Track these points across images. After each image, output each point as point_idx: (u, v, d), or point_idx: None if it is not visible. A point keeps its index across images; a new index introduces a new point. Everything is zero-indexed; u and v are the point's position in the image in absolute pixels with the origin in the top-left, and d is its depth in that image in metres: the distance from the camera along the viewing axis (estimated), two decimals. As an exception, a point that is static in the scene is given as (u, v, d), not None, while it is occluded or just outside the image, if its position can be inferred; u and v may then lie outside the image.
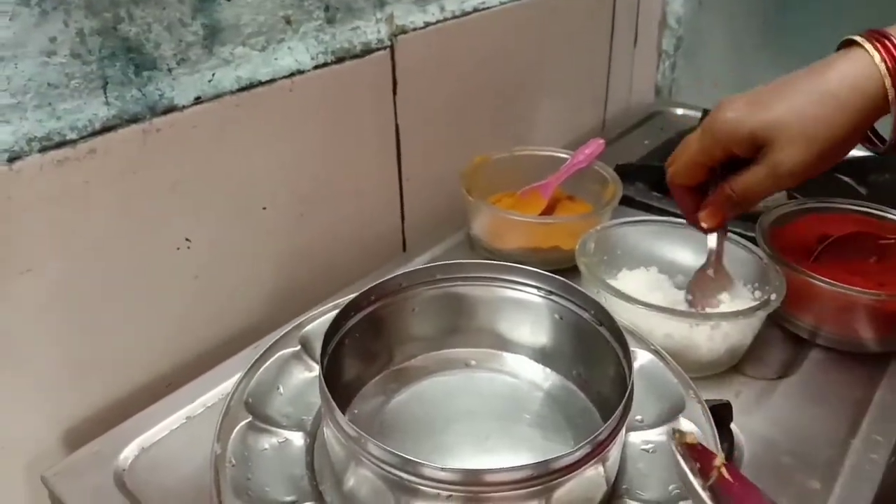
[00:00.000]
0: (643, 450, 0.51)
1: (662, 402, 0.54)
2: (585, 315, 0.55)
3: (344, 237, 0.77)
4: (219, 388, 0.61)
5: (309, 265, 0.74)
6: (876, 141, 0.56)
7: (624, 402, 0.46)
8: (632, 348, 0.51)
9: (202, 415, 0.60)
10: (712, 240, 0.65)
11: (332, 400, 0.45)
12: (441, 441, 0.53)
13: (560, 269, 0.73)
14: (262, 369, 0.55)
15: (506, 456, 0.52)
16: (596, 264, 0.69)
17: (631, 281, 0.71)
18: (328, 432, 0.47)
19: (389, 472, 0.42)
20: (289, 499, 0.48)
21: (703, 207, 0.62)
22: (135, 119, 0.56)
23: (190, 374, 0.64)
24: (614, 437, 0.45)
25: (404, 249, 0.85)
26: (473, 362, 0.60)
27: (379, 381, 0.58)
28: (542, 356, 0.59)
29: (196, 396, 0.61)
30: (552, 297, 0.57)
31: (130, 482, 0.53)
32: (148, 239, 0.60)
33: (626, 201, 0.84)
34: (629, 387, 0.46)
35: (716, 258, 0.66)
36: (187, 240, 0.63)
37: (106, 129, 0.55)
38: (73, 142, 0.53)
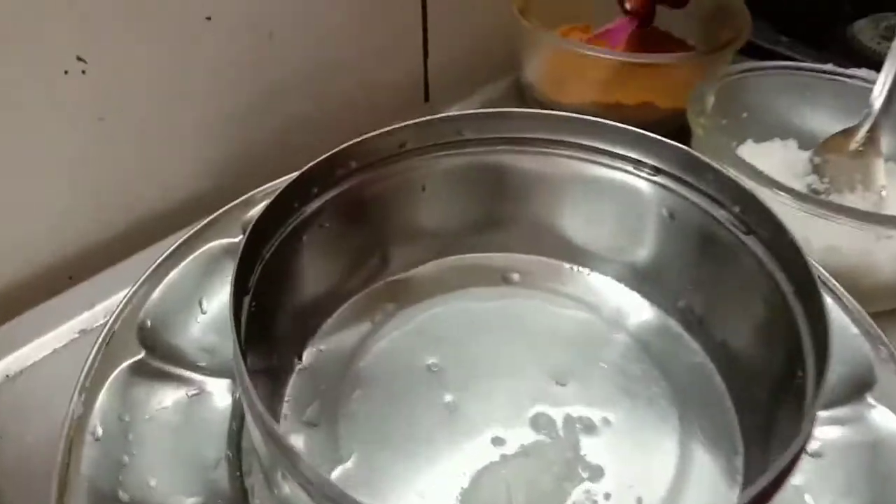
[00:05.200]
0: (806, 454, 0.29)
1: (838, 371, 0.31)
2: (720, 214, 0.32)
3: (335, 75, 0.53)
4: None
5: (282, 115, 0.51)
6: None
7: (813, 397, 0.23)
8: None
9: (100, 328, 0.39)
10: (879, 85, 0.43)
11: (243, 361, 0.23)
12: (456, 421, 0.31)
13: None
14: (174, 272, 0.34)
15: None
16: (714, 127, 0.45)
17: (760, 158, 0.47)
18: (248, 416, 0.26)
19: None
20: (191, 502, 0.28)
21: None
22: None
23: (99, 263, 0.43)
24: (788, 475, 0.23)
25: (426, 99, 0.61)
26: (517, 277, 0.38)
27: (362, 300, 0.36)
28: (633, 275, 0.37)
29: (95, 301, 0.40)
30: (659, 177, 0.34)
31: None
32: (14, 57, 0.38)
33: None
34: (823, 374, 0.24)
35: (876, 120, 0.44)
36: (80, 59, 0.40)
37: None
38: None
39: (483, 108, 0.57)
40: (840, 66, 0.48)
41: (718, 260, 0.32)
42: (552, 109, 0.52)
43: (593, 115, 0.50)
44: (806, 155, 0.47)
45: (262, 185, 0.38)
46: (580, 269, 0.38)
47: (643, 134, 0.33)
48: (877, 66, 0.63)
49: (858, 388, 0.31)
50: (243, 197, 0.37)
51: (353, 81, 0.55)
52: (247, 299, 0.28)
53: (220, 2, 0.44)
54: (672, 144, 0.32)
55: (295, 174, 0.30)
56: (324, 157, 0.30)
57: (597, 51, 0.48)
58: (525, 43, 0.53)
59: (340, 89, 0.54)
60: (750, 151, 0.48)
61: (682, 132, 0.43)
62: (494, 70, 0.60)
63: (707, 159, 0.31)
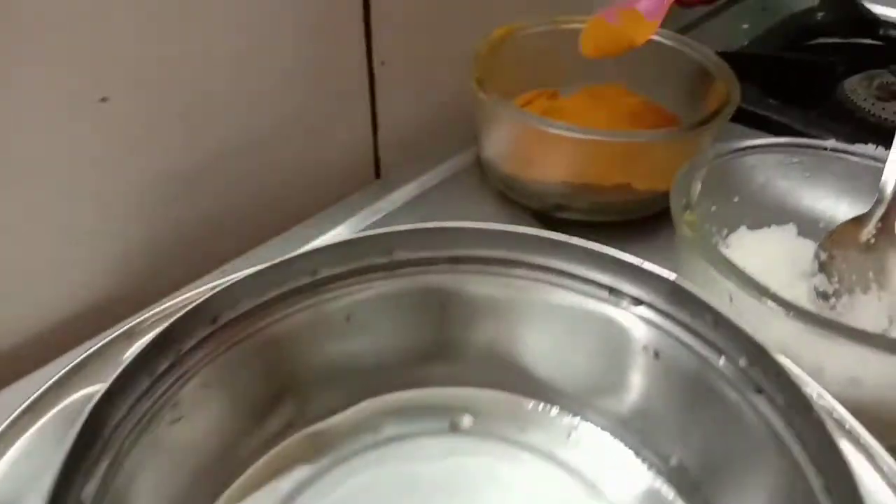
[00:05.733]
0: None
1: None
2: (719, 363, 0.25)
3: (268, 153, 0.46)
4: None
5: (202, 204, 0.44)
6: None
7: None
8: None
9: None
10: (891, 165, 0.36)
11: None
12: None
13: (627, 220, 0.44)
14: (23, 440, 0.26)
15: None
16: (701, 220, 0.38)
17: (755, 248, 0.41)
18: None
19: None
20: None
21: None
22: None
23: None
24: None
25: (377, 175, 0.54)
26: (468, 421, 0.30)
27: (270, 463, 0.28)
28: (613, 420, 0.30)
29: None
30: (640, 308, 0.27)
31: None
32: None
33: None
34: None
35: (889, 206, 0.37)
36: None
37: None
38: None
39: (441, 185, 0.51)
40: (841, 137, 0.42)
41: (717, 418, 0.26)
42: (518, 192, 0.46)
43: (561, 196, 0.45)
44: (806, 243, 0.41)
45: (170, 295, 0.30)
46: (547, 406, 0.31)
47: (619, 259, 0.26)
48: (874, 129, 0.58)
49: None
50: (127, 325, 0.30)
51: (290, 159, 0.48)
52: (91, 485, 0.20)
53: (117, 80, 0.37)
54: (656, 273, 0.25)
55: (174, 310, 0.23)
56: (194, 305, 0.23)
57: (562, 128, 0.41)
58: (484, 115, 0.46)
59: (275, 169, 0.47)
60: (743, 241, 0.41)
61: (663, 216, 0.37)
62: (455, 141, 0.53)
63: (702, 295, 0.25)
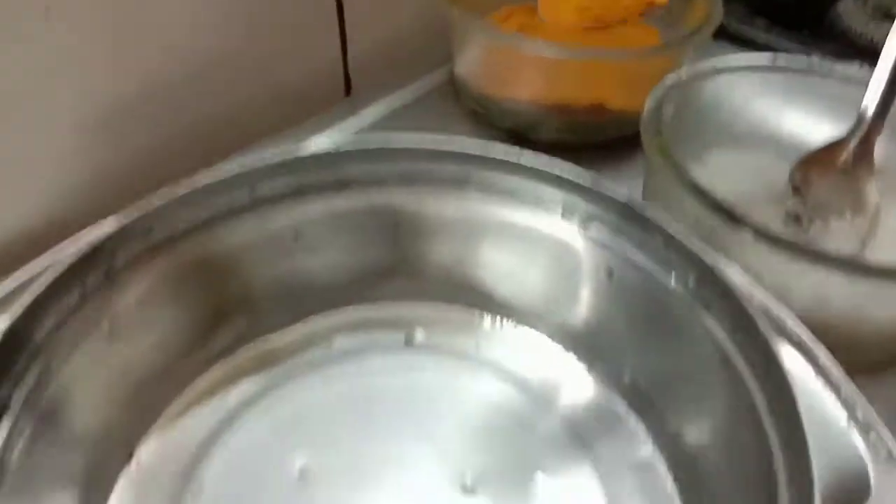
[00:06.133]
0: None
1: (823, 480, 0.24)
2: (669, 281, 0.24)
3: (233, 70, 0.45)
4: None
5: (162, 123, 0.42)
6: None
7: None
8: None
9: None
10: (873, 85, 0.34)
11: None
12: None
13: (601, 140, 0.42)
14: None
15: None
16: (674, 142, 0.37)
17: (730, 173, 0.40)
18: None
19: None
20: None
21: None
22: None
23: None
24: None
25: (347, 93, 0.53)
26: (421, 336, 0.30)
27: (215, 377, 0.28)
28: (568, 335, 0.29)
29: None
30: (592, 229, 0.26)
31: None
32: None
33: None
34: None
35: (868, 131, 0.35)
36: None
37: None
38: None
39: (413, 104, 0.49)
40: (827, 57, 0.41)
41: (668, 335, 0.25)
42: (490, 109, 0.45)
43: (534, 116, 0.43)
44: (782, 167, 0.40)
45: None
46: (502, 320, 0.30)
47: (571, 177, 0.25)
48: (866, 52, 0.56)
49: (847, 501, 0.24)
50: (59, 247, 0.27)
51: (256, 76, 0.46)
52: (19, 391, 0.20)
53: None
54: (609, 193, 0.25)
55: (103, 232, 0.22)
56: (127, 221, 0.22)
57: (537, 46, 0.40)
58: (457, 32, 0.45)
59: (240, 87, 0.45)
60: (717, 165, 0.40)
61: (637, 139, 0.36)
62: (430, 59, 0.51)
63: (653, 214, 0.24)
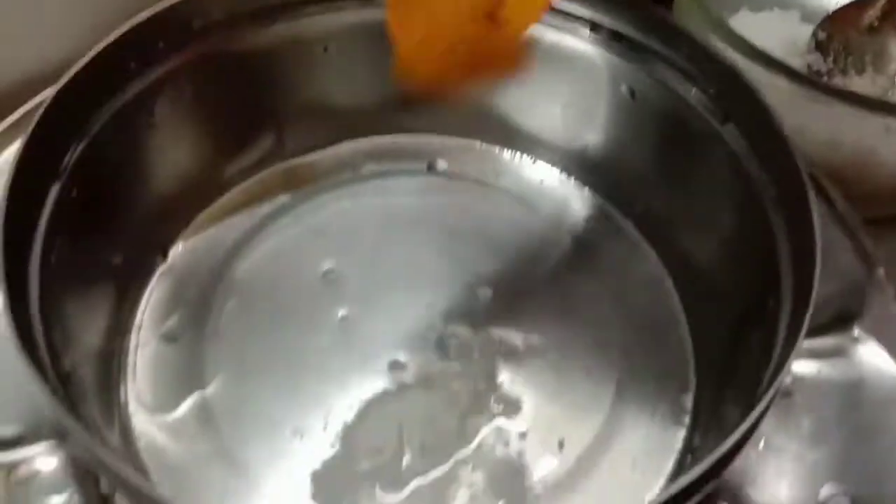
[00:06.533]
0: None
1: (820, 293, 0.25)
2: (692, 95, 0.25)
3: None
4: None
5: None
6: None
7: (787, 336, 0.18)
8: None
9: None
10: None
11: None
12: (350, 341, 0.26)
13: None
14: None
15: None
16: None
17: (754, 31, 0.39)
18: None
19: None
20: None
21: None
22: None
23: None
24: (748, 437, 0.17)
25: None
26: (444, 164, 0.31)
27: (248, 189, 0.29)
28: (584, 166, 0.30)
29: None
30: (618, 44, 0.26)
31: None
32: None
33: None
34: (805, 304, 0.18)
35: None
36: None
37: None
38: None
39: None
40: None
41: (687, 152, 0.26)
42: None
43: None
44: (808, 28, 0.39)
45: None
46: (521, 155, 0.31)
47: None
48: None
49: (843, 316, 0.26)
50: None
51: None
52: (55, 187, 0.21)
53: None
54: (635, 8, 0.25)
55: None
56: (161, 9, 0.23)
57: None
58: None
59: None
60: (743, 23, 0.40)
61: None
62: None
63: (678, 24, 0.24)
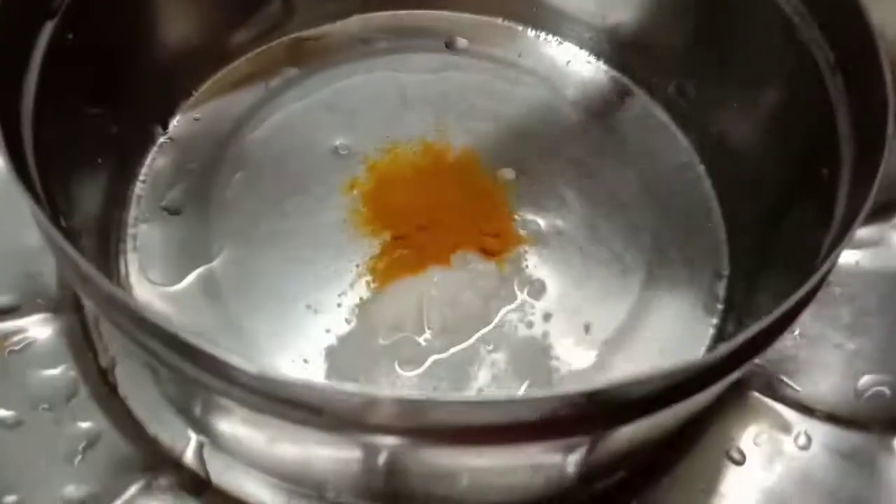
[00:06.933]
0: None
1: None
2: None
3: None
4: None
5: None
6: None
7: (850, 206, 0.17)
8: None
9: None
10: None
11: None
12: (363, 217, 0.24)
13: None
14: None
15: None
16: None
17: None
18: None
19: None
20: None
21: None
22: None
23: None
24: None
25: None
26: (464, 43, 0.29)
27: (256, 60, 0.27)
28: (613, 46, 0.28)
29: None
30: None
31: None
32: None
33: None
34: (874, 171, 0.17)
35: None
36: None
37: None
38: None
39: None
40: None
41: (730, 21, 0.24)
42: None
43: None
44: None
45: None
46: (545, 35, 0.29)
47: None
48: None
49: (885, 204, 0.24)
50: None
51: None
52: (50, 24, 0.19)
53: None
54: None
55: None
56: None
57: None
58: None
59: None
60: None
61: None
62: None
63: None
